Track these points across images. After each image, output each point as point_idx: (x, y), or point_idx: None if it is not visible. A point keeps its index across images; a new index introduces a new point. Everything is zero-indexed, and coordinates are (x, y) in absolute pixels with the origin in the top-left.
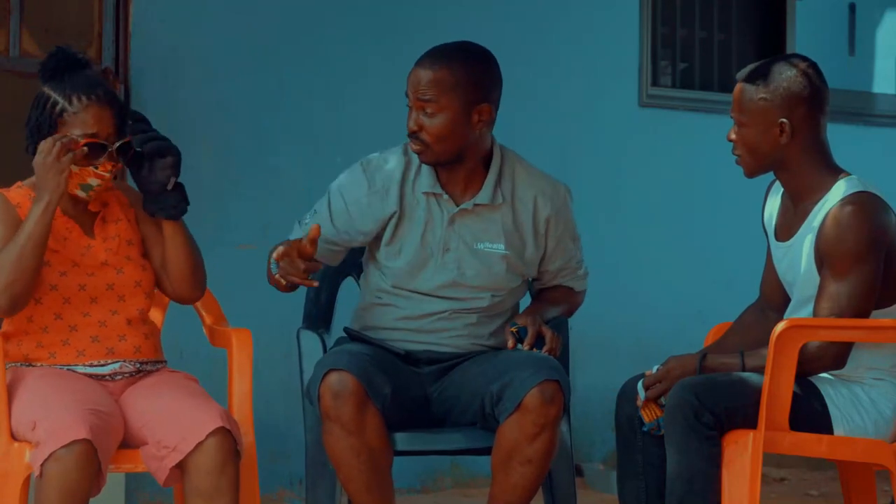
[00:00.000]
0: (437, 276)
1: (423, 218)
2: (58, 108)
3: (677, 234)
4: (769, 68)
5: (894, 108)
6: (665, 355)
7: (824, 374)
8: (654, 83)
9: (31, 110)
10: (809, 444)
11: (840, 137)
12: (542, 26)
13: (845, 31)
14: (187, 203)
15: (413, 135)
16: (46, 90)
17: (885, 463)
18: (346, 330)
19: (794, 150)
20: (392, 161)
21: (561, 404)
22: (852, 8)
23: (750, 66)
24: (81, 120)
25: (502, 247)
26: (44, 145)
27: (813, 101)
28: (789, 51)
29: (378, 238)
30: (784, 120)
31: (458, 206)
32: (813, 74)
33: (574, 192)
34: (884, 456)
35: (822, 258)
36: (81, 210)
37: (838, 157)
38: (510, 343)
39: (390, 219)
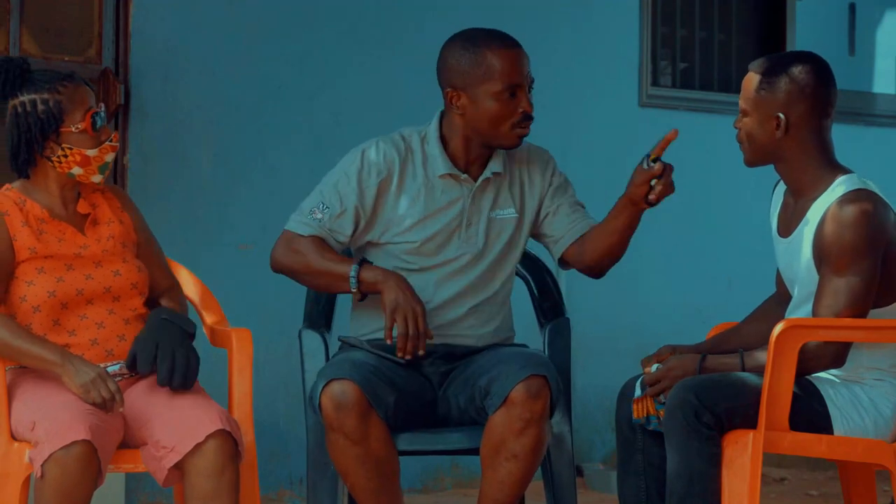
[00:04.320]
0: (460, 249)
1: (445, 199)
2: (51, 103)
3: (677, 234)
4: (779, 62)
5: (894, 108)
6: None
7: (824, 374)
8: (654, 83)
9: (13, 127)
10: (809, 444)
11: (840, 137)
12: (541, 26)
13: (845, 31)
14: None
15: (531, 116)
16: (21, 99)
17: (885, 463)
18: (341, 339)
19: (790, 145)
20: (391, 152)
21: (546, 400)
22: (852, 8)
23: (764, 58)
24: (80, 100)
25: (513, 210)
26: (106, 383)
27: (815, 101)
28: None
29: (385, 227)
30: (781, 115)
31: (475, 181)
32: (820, 74)
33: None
34: (884, 456)
35: (821, 255)
36: (72, 212)
37: (838, 157)
38: (657, 168)
39: (398, 200)
